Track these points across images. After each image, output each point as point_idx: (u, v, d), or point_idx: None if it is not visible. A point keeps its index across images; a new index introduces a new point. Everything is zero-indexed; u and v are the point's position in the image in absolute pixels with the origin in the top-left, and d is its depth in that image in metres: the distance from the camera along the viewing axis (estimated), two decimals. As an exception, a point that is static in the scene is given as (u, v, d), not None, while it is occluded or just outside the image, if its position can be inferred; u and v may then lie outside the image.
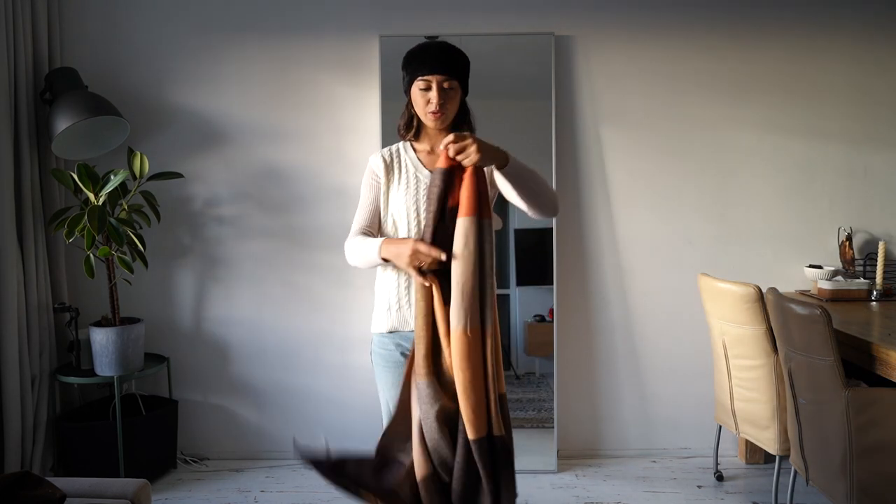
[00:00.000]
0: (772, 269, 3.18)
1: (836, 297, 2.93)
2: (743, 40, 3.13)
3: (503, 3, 3.11)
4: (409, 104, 1.90)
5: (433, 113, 1.83)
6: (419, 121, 1.91)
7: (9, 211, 2.73)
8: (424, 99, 1.83)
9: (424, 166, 1.91)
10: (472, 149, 1.63)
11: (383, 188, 1.92)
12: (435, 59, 1.82)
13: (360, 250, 1.85)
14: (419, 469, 1.70)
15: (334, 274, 3.18)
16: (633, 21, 3.12)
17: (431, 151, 1.93)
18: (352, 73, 3.13)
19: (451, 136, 1.66)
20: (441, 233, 1.69)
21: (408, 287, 1.86)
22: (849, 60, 3.14)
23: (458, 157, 1.66)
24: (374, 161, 1.95)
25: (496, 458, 1.68)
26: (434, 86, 1.81)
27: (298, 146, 3.16)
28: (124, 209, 2.87)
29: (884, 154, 3.18)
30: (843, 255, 3.11)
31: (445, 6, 3.11)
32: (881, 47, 3.13)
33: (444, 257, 1.66)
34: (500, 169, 1.72)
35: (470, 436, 1.65)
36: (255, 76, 3.14)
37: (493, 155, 1.69)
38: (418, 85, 1.83)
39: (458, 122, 1.92)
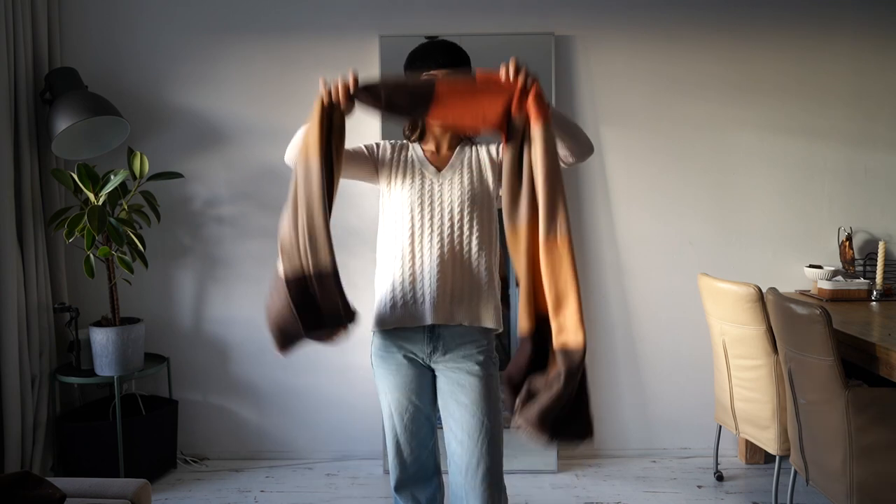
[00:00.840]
0: (772, 269, 3.18)
1: (836, 297, 2.93)
2: (743, 40, 3.13)
3: (503, 3, 3.11)
4: None
5: None
6: (424, 120, 1.89)
7: (9, 211, 2.73)
8: None
9: (431, 164, 1.90)
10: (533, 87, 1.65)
11: (383, 170, 1.91)
12: (439, 54, 1.84)
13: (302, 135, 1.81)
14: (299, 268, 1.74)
15: (334, 274, 3.17)
16: (633, 21, 3.12)
17: (437, 151, 1.92)
18: (352, 73, 3.12)
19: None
20: (406, 94, 1.71)
21: (412, 281, 1.84)
22: (849, 60, 3.14)
23: (521, 78, 1.65)
24: (384, 141, 1.96)
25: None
26: None
27: (298, 146, 3.15)
28: (124, 209, 2.87)
29: (884, 154, 3.18)
30: (843, 255, 3.11)
31: (445, 6, 3.11)
32: (881, 47, 3.13)
33: (351, 89, 1.69)
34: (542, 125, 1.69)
35: (575, 346, 1.61)
36: (255, 76, 3.14)
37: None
38: None
39: None
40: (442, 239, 1.82)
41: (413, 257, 1.84)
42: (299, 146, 1.76)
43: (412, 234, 1.84)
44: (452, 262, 1.83)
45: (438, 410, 1.93)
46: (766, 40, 3.12)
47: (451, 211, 1.83)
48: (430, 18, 3.11)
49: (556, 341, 1.64)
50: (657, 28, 3.12)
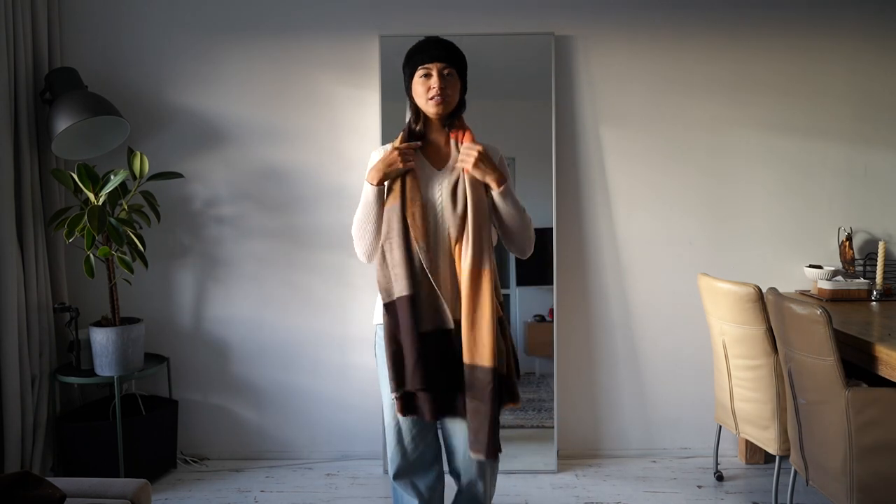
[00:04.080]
0: (772, 269, 3.18)
1: (836, 297, 2.93)
2: (743, 40, 3.13)
3: (503, 3, 3.11)
4: (412, 101, 1.96)
5: (434, 98, 1.88)
6: (424, 116, 1.95)
7: (9, 211, 2.73)
8: (425, 86, 1.89)
9: (431, 164, 1.94)
10: (471, 159, 1.85)
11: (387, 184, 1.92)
12: (433, 48, 1.91)
13: (358, 212, 1.95)
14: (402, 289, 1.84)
15: (334, 274, 3.18)
16: (633, 21, 3.12)
17: (436, 149, 1.97)
18: (352, 73, 3.13)
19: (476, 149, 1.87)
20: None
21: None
22: (849, 60, 3.14)
23: (461, 158, 1.88)
24: (376, 157, 1.97)
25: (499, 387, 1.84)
26: (434, 72, 1.88)
27: (298, 146, 3.16)
28: (124, 209, 2.87)
29: (884, 154, 3.18)
30: (843, 255, 3.11)
31: (445, 6, 3.11)
32: (881, 47, 3.13)
33: (419, 143, 1.91)
34: (491, 189, 1.89)
35: (466, 361, 1.82)
36: (255, 76, 3.14)
37: (488, 170, 1.87)
38: (419, 73, 1.90)
39: (456, 114, 1.97)
40: (442, 241, 1.87)
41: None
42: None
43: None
44: (451, 264, 1.87)
45: None
46: (766, 40, 3.13)
47: (451, 213, 1.87)
48: (430, 18, 3.11)
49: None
50: (657, 28, 3.12)
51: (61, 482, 1.89)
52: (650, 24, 3.12)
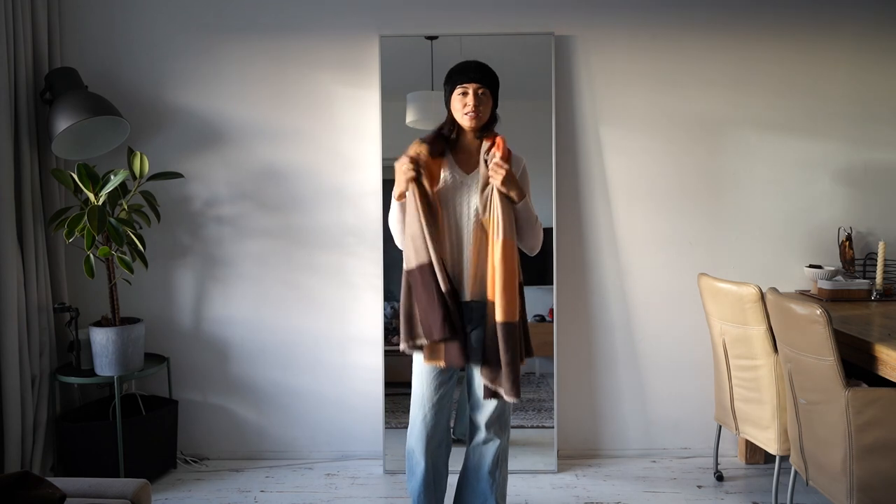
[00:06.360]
0: (772, 269, 3.18)
1: (836, 297, 2.93)
2: (743, 40, 3.13)
3: (503, 3, 3.11)
4: (450, 113, 2.21)
5: (469, 114, 2.15)
6: (459, 126, 2.20)
7: (9, 211, 2.73)
8: (462, 103, 2.16)
9: (461, 170, 2.19)
10: (499, 178, 2.07)
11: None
12: (472, 71, 2.17)
13: (391, 215, 2.25)
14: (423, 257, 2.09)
15: (334, 274, 3.18)
16: (633, 21, 3.12)
17: (468, 156, 2.21)
18: (352, 73, 3.13)
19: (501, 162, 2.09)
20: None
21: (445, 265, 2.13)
22: (849, 60, 3.14)
23: (491, 172, 2.09)
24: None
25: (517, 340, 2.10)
26: (471, 91, 2.15)
27: (298, 146, 3.16)
28: (124, 209, 2.87)
29: (884, 154, 3.18)
30: (843, 255, 3.11)
31: (445, 6, 3.11)
32: (882, 47, 3.14)
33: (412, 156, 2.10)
34: (513, 203, 2.13)
35: (499, 319, 2.05)
36: (255, 76, 3.14)
37: (512, 187, 2.10)
38: (458, 91, 2.17)
39: (488, 126, 2.22)
40: (467, 234, 2.15)
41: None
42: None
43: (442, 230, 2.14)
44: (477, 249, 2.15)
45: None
46: (767, 40, 3.13)
47: (478, 211, 2.13)
48: (430, 18, 3.11)
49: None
50: (657, 28, 3.12)
51: (61, 482, 1.89)
52: (650, 24, 3.12)
